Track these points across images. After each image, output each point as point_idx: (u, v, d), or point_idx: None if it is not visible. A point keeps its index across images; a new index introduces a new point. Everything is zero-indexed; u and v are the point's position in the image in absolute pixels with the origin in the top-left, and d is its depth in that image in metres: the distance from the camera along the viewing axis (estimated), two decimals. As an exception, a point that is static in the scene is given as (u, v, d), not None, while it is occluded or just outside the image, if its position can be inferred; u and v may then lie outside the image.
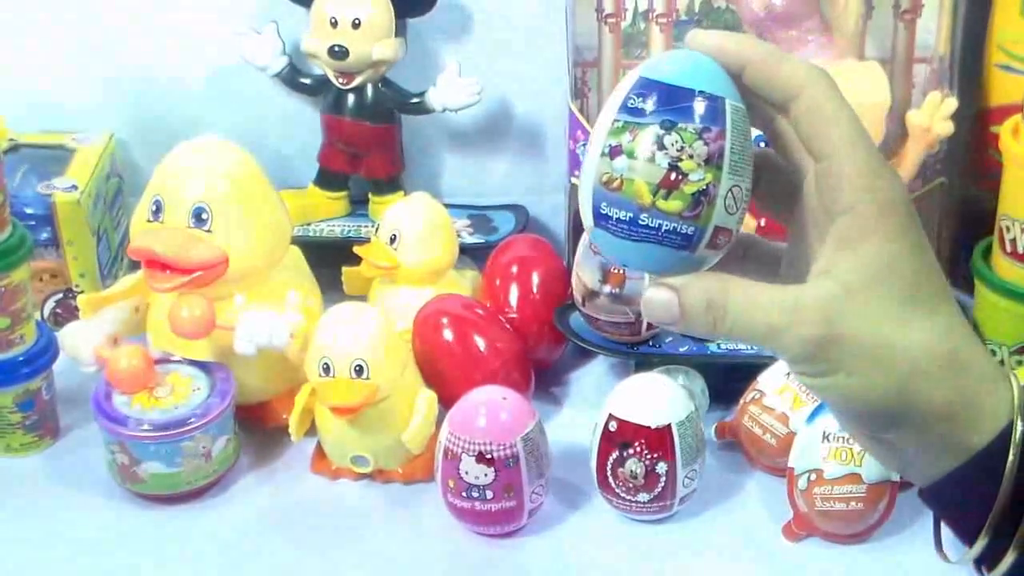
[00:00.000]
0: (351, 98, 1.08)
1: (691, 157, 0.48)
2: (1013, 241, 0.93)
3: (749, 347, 0.96)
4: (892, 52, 0.99)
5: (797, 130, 0.51)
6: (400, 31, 1.07)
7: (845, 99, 0.50)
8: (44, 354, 0.92)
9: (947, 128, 0.97)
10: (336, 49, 1.05)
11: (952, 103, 0.97)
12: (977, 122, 1.04)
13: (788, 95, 0.50)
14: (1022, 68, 1.01)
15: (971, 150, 1.05)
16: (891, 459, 0.54)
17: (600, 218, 0.50)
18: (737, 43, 0.50)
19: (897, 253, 0.49)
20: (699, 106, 0.49)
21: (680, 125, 0.48)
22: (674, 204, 0.48)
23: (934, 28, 0.98)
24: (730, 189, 0.49)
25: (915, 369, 0.49)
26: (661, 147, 0.48)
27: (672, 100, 0.49)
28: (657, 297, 0.50)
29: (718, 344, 0.96)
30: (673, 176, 0.48)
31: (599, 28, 1.01)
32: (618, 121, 0.49)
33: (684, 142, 0.48)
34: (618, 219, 0.49)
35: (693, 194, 0.48)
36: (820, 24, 0.98)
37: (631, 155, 0.48)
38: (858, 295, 0.49)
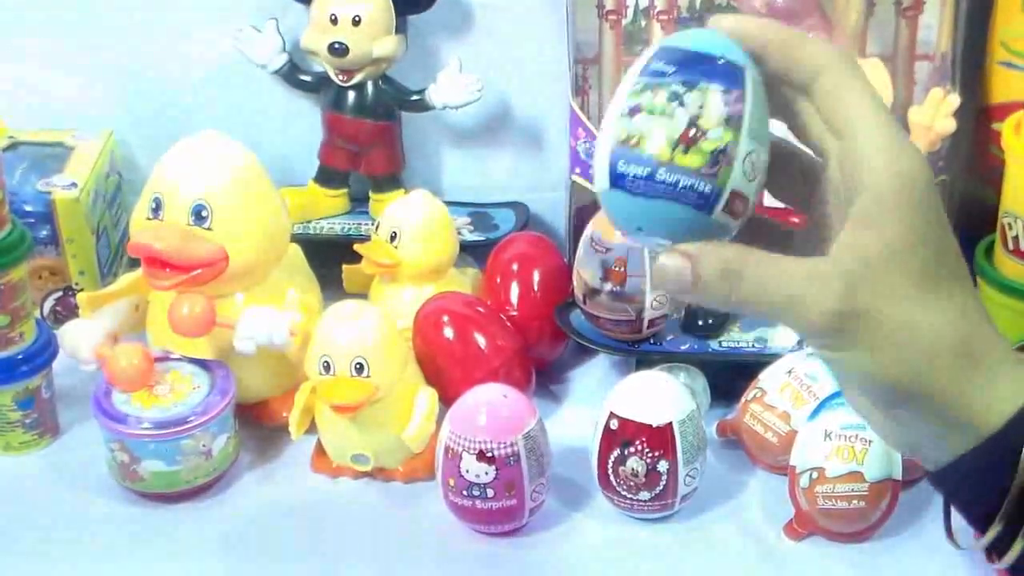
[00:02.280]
0: (351, 95, 1.08)
1: (711, 115, 0.48)
2: (1015, 238, 0.93)
3: (751, 345, 0.96)
4: (894, 49, 0.99)
5: (819, 110, 0.51)
6: (400, 28, 1.06)
7: (867, 78, 0.50)
8: (43, 352, 0.92)
9: (949, 125, 0.97)
10: (336, 46, 1.05)
11: (954, 100, 0.97)
12: (979, 119, 1.04)
13: (810, 75, 0.50)
14: (1024, 65, 1.01)
15: (973, 147, 1.05)
16: (900, 438, 0.54)
17: (617, 178, 0.49)
18: (759, 25, 0.51)
19: (918, 232, 0.49)
20: (721, 68, 0.49)
21: (701, 84, 0.49)
22: (693, 159, 0.48)
23: (936, 25, 0.98)
24: (748, 154, 0.49)
25: (932, 350, 0.49)
26: (681, 103, 0.48)
27: (694, 62, 0.49)
28: (670, 263, 0.50)
29: (719, 342, 0.96)
30: (692, 132, 0.48)
31: (600, 25, 1.00)
32: (639, 83, 0.49)
33: (704, 99, 0.48)
34: (635, 176, 0.49)
35: (712, 152, 0.48)
36: (821, 21, 0.98)
37: (651, 111, 0.49)
38: (879, 271, 0.49)
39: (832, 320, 0.49)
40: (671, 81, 0.49)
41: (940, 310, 0.49)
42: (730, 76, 0.49)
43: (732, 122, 0.48)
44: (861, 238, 0.49)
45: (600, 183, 0.50)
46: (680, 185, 0.48)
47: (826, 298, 0.49)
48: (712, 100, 0.48)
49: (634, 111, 0.49)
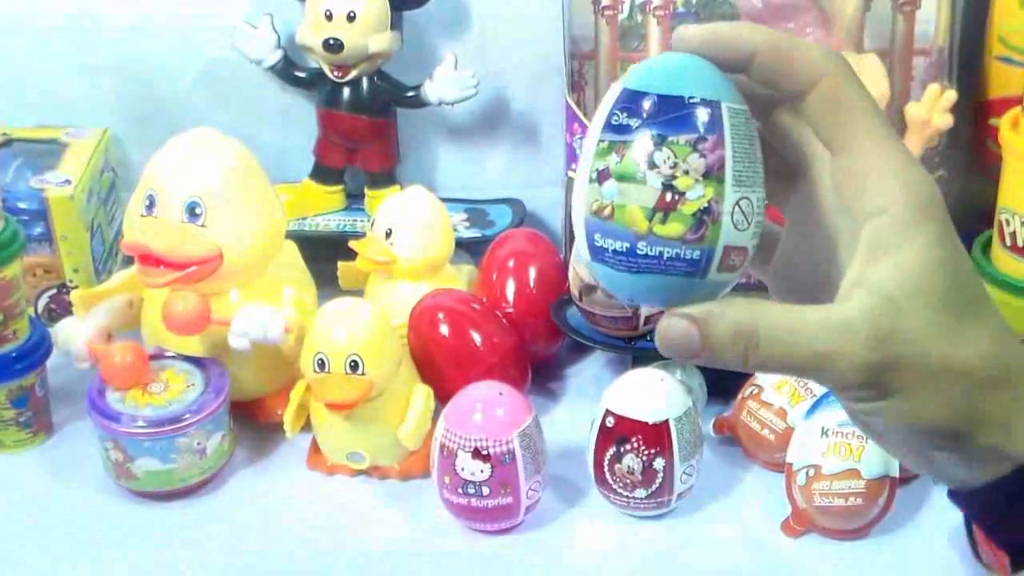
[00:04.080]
0: (347, 91, 1.08)
1: (687, 172, 0.43)
2: (1013, 234, 0.93)
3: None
4: (891, 44, 0.99)
5: (812, 123, 0.47)
6: (395, 24, 1.06)
7: (865, 87, 0.46)
8: (37, 350, 0.92)
9: (946, 121, 0.97)
10: (331, 42, 1.04)
11: (951, 96, 0.97)
12: (976, 114, 1.04)
13: (803, 85, 0.46)
14: (1021, 60, 1.01)
15: (970, 143, 1.04)
16: (932, 470, 0.50)
17: (596, 252, 0.45)
18: (737, 30, 0.46)
19: (939, 259, 0.45)
20: (691, 114, 0.44)
21: (671, 138, 0.44)
22: (673, 228, 0.44)
23: (933, 20, 0.98)
24: (737, 202, 0.44)
25: (971, 385, 0.46)
26: (652, 165, 0.44)
27: (659, 111, 0.44)
28: (675, 328, 0.45)
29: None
30: (669, 196, 0.43)
31: (596, 20, 1.00)
32: (603, 141, 0.45)
33: (677, 156, 0.43)
34: (614, 251, 0.44)
35: (694, 214, 0.43)
36: (818, 16, 0.97)
37: (620, 178, 0.44)
38: (906, 310, 0.45)
39: (866, 375, 0.45)
40: (636, 138, 0.44)
41: (975, 340, 0.46)
42: (703, 120, 0.44)
43: (713, 174, 0.44)
44: (879, 271, 0.45)
45: (582, 254, 0.46)
46: (665, 257, 0.44)
47: (856, 351, 0.44)
48: (686, 155, 0.43)
49: (602, 176, 0.44)
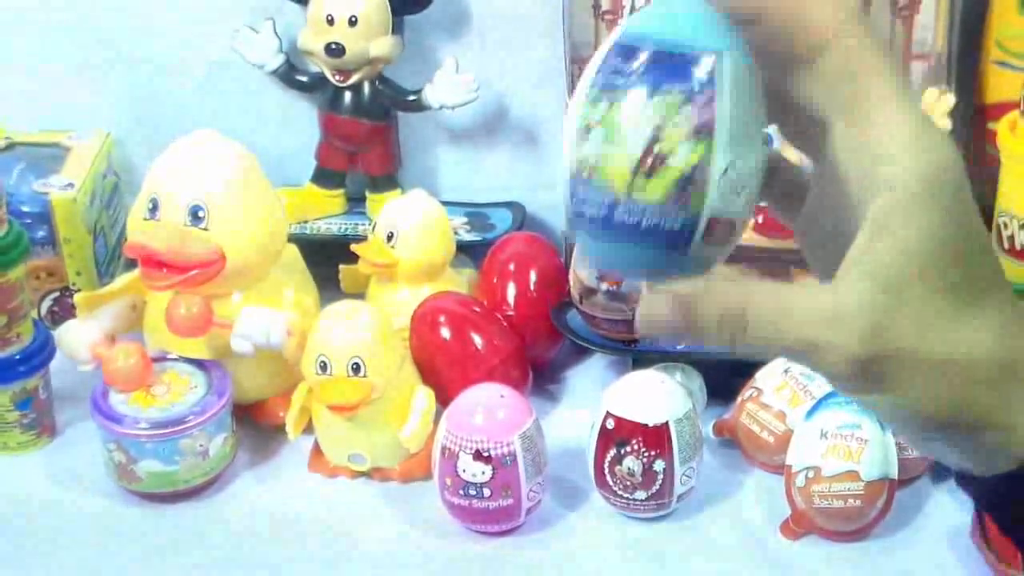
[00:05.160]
0: (348, 96, 1.08)
1: (672, 133, 0.39)
2: (1011, 238, 0.93)
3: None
4: (889, 49, 0.99)
5: (824, 89, 0.42)
6: (397, 28, 1.07)
7: (880, 45, 0.42)
8: (41, 352, 0.92)
9: (944, 125, 0.97)
10: (333, 47, 1.05)
11: (949, 100, 0.97)
12: (974, 119, 1.04)
13: (816, 46, 0.42)
14: (1019, 65, 1.01)
15: (968, 147, 1.05)
16: (936, 453, 0.48)
17: (575, 217, 0.41)
18: None
19: (945, 238, 0.41)
20: (686, 65, 0.40)
21: (661, 91, 0.39)
22: (654, 191, 0.40)
23: (931, 25, 0.98)
24: (727, 169, 0.40)
25: (971, 378, 0.43)
26: (636, 121, 0.39)
27: (653, 61, 0.40)
28: (657, 308, 0.42)
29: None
30: (652, 155, 0.39)
31: (596, 24, 1.00)
32: (592, 90, 0.41)
33: (666, 112, 0.39)
34: (592, 216, 0.41)
35: (677, 179, 0.39)
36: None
37: (603, 134, 0.40)
38: (904, 295, 0.42)
39: (858, 367, 0.42)
40: (626, 87, 0.40)
41: (978, 328, 0.42)
42: (700, 72, 0.40)
43: (702, 134, 0.39)
44: (879, 251, 0.42)
45: (566, 218, 0.42)
46: (643, 224, 0.40)
47: (849, 342, 0.42)
48: (676, 109, 0.39)
49: (586, 130, 0.40)
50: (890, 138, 0.41)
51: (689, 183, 0.40)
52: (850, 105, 0.42)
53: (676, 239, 0.40)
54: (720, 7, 0.42)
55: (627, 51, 0.40)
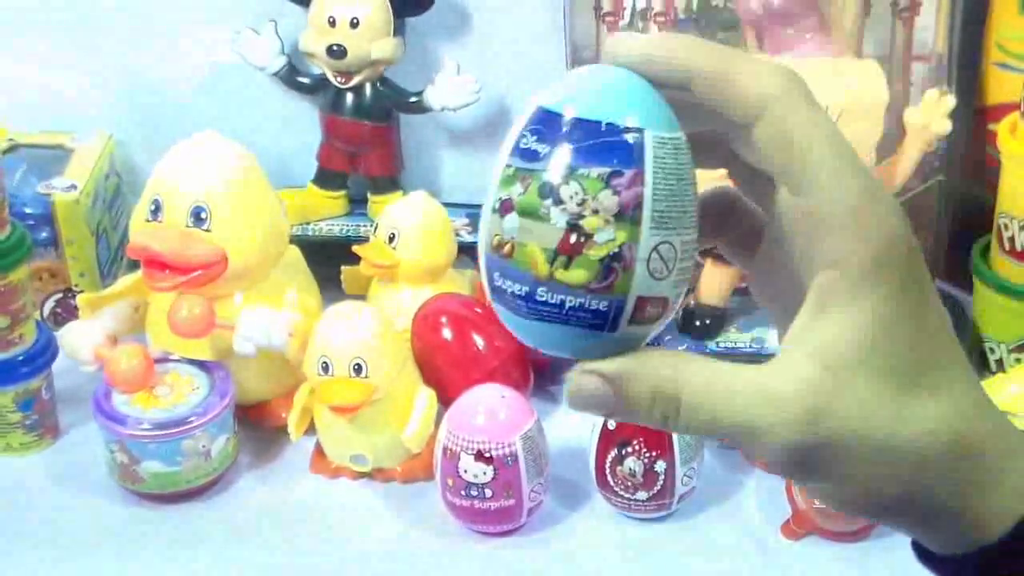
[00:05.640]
0: (350, 97, 1.08)
1: (596, 212, 0.37)
2: (1012, 239, 0.93)
3: (748, 345, 0.96)
4: (890, 50, 0.99)
5: (763, 158, 0.40)
6: (399, 30, 1.07)
7: (822, 110, 0.40)
8: (43, 354, 0.92)
9: (945, 126, 0.97)
10: (334, 48, 1.05)
11: (950, 101, 0.97)
12: (975, 120, 1.04)
13: (748, 114, 0.39)
14: (1020, 66, 1.01)
15: (969, 148, 1.05)
16: (893, 528, 0.44)
17: (495, 291, 0.39)
18: (672, 49, 0.39)
19: (893, 319, 0.39)
20: (607, 143, 0.38)
21: (581, 170, 0.38)
22: (577, 274, 0.38)
23: (932, 26, 0.98)
24: (655, 248, 0.38)
25: (918, 464, 0.40)
26: (557, 201, 0.38)
27: (572, 137, 0.38)
28: (585, 386, 0.40)
29: (716, 343, 0.96)
30: (574, 238, 0.37)
31: (597, 27, 1.00)
32: (509, 167, 0.39)
33: (587, 192, 0.37)
34: (513, 293, 0.39)
35: (601, 259, 0.38)
36: (818, 22, 0.98)
37: (522, 212, 0.38)
38: (845, 379, 0.39)
39: (793, 455, 0.39)
40: (544, 167, 0.38)
41: (926, 414, 0.40)
42: (621, 150, 0.38)
43: (628, 214, 0.37)
44: (823, 330, 0.39)
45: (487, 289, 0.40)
46: (567, 307, 0.38)
47: (785, 428, 0.39)
48: (597, 191, 0.37)
49: (505, 207, 0.39)
50: (831, 210, 0.39)
51: (614, 263, 0.38)
52: (788, 173, 0.39)
53: (603, 319, 0.38)
54: (652, 70, 0.39)
55: (545, 126, 0.39)
